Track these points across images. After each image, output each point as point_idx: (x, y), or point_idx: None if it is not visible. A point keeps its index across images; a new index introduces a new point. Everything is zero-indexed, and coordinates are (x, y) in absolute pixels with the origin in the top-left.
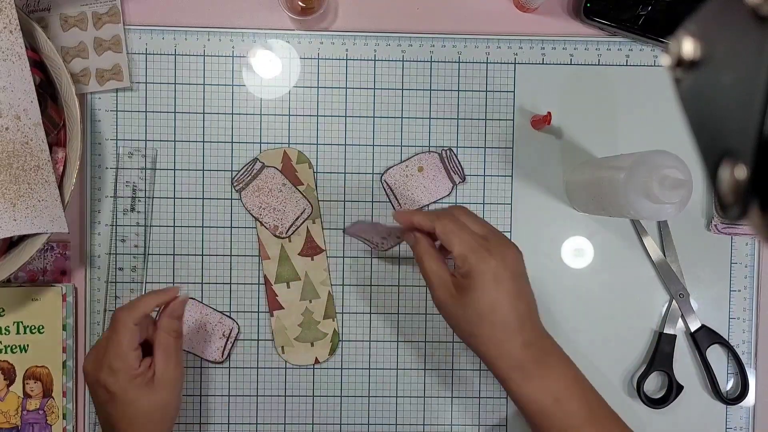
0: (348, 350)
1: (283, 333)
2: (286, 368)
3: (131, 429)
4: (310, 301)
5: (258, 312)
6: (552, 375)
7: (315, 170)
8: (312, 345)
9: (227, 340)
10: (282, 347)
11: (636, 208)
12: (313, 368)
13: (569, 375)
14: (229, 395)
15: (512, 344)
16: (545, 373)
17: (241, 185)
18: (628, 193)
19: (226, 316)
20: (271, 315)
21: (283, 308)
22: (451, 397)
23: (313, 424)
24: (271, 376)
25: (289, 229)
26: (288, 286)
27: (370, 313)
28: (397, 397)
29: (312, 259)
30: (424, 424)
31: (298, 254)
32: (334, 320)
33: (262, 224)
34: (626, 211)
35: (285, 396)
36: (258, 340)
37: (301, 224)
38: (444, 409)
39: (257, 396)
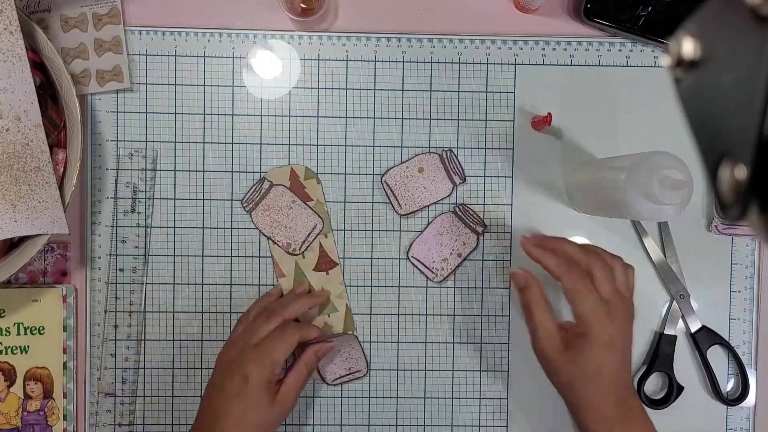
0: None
1: None
2: None
3: (236, 428)
4: (329, 316)
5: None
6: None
7: (316, 171)
8: None
9: (348, 375)
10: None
11: (636, 208)
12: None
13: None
14: None
15: (606, 401)
16: (628, 429)
17: (250, 206)
18: (628, 193)
19: (364, 358)
20: None
21: None
22: (452, 398)
23: (313, 425)
24: None
25: (301, 245)
26: None
27: (372, 313)
28: (397, 397)
29: (327, 274)
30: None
31: (313, 270)
32: (353, 333)
33: (274, 242)
34: (626, 211)
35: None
36: None
37: (314, 240)
38: (444, 410)
39: None
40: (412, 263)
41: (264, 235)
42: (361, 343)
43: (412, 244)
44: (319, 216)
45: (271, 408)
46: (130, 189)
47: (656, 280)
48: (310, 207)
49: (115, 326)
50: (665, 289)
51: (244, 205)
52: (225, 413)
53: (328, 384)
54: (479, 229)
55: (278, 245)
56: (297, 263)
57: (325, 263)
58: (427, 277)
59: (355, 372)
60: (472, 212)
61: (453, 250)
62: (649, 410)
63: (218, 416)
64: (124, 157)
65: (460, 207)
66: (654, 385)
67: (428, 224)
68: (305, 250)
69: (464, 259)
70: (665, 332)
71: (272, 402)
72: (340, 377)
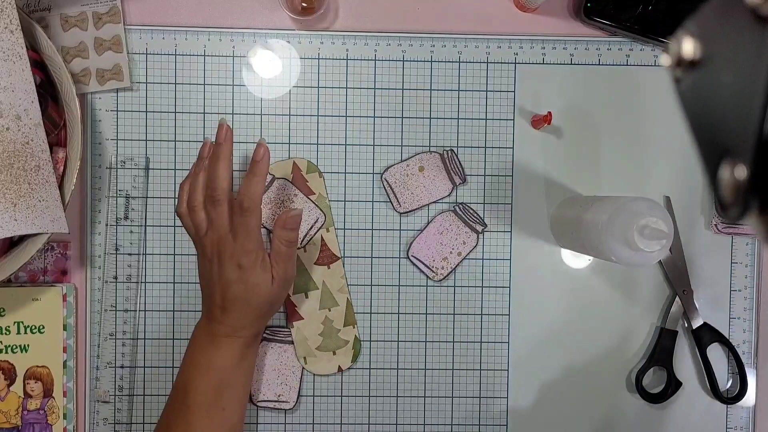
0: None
1: (304, 343)
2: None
3: (244, 309)
4: (330, 310)
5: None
6: None
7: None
8: (334, 354)
9: (275, 402)
10: (304, 358)
11: (615, 254)
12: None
13: None
14: None
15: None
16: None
17: None
18: (607, 239)
19: (297, 390)
20: (291, 326)
21: (303, 318)
22: (452, 397)
23: (313, 424)
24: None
25: (303, 239)
26: (306, 296)
27: (371, 312)
28: (397, 397)
29: (328, 268)
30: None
31: (315, 263)
32: (354, 327)
33: None
34: (606, 255)
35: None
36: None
37: (315, 233)
38: (444, 409)
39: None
40: (412, 262)
41: (266, 228)
42: (304, 372)
43: (412, 242)
44: (321, 210)
45: (270, 286)
46: (129, 188)
47: (660, 275)
48: (311, 201)
49: (115, 325)
50: (668, 285)
51: None
52: (232, 297)
53: (253, 404)
54: (479, 228)
55: None
56: (299, 257)
57: (326, 257)
58: (427, 276)
59: (283, 402)
60: (472, 211)
61: (453, 249)
62: (649, 408)
63: (225, 302)
64: (124, 155)
65: (460, 206)
66: (652, 379)
67: (428, 223)
68: (307, 243)
69: (464, 258)
70: (666, 327)
71: (269, 280)
72: (267, 401)
